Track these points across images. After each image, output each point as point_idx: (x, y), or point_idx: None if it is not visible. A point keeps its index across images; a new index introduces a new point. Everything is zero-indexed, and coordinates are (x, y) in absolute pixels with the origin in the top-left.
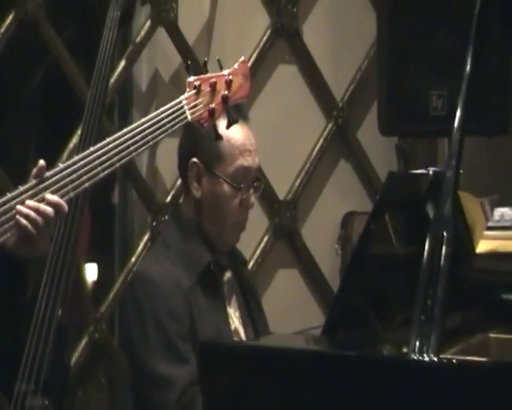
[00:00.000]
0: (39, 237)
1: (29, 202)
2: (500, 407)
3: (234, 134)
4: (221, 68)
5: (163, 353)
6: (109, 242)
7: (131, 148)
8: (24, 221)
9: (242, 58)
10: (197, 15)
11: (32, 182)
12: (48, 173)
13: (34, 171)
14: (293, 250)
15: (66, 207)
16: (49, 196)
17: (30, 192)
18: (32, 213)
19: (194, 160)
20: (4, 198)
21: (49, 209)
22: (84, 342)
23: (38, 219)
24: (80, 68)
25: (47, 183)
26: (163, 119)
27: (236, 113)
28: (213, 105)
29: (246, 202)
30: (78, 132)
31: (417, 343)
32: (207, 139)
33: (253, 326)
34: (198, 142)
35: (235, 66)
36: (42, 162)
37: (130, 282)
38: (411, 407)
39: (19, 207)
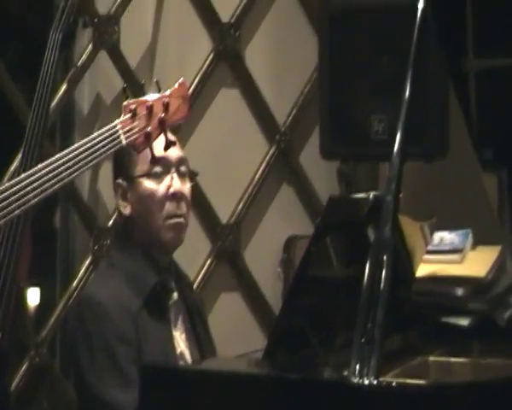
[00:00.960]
0: None
1: None
2: None
3: None
4: (159, 91)
5: (111, 378)
6: (51, 266)
7: (64, 173)
8: None
9: (181, 79)
10: (139, 38)
11: None
12: None
13: None
14: (236, 274)
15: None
16: None
17: None
18: None
19: (118, 181)
20: None
21: None
22: (25, 366)
23: None
24: (21, 90)
25: None
26: (97, 144)
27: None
28: (149, 129)
29: (170, 185)
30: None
31: (357, 366)
32: (124, 155)
33: (200, 349)
34: (117, 162)
35: (174, 87)
36: None
37: (77, 306)
38: None
39: None
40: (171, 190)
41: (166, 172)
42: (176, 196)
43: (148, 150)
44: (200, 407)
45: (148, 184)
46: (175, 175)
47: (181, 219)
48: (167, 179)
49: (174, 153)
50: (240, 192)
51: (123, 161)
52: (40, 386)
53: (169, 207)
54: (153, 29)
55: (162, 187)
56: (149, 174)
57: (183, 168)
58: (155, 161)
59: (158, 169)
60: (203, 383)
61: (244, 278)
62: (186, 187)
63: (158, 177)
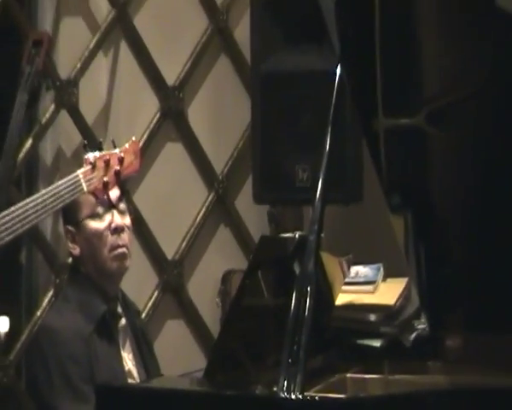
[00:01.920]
0: None
1: None
2: None
3: None
4: (114, 147)
5: (66, 394)
6: (17, 297)
7: (32, 216)
8: None
9: (133, 138)
10: (95, 99)
11: None
12: None
13: None
14: (180, 303)
15: None
16: None
17: None
18: None
19: (67, 227)
20: None
21: None
22: None
23: None
24: None
25: None
26: (62, 190)
27: None
28: (107, 178)
29: (112, 223)
30: None
31: (285, 383)
32: (68, 204)
33: (145, 368)
34: (65, 211)
35: (127, 145)
36: None
37: (36, 333)
38: None
39: None
40: (113, 225)
41: (107, 211)
42: (117, 230)
43: (89, 196)
44: None
45: (92, 223)
46: (115, 212)
47: (124, 249)
48: (109, 217)
49: (113, 194)
50: (183, 232)
51: (69, 208)
52: (8, 403)
53: (112, 239)
54: (107, 91)
55: (105, 224)
56: (93, 215)
57: (121, 206)
58: (112, 206)
59: (100, 210)
60: (150, 400)
61: (187, 307)
62: (126, 220)
63: (100, 216)
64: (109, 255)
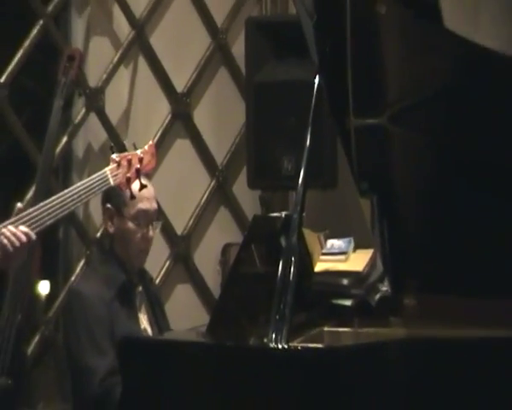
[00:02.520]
0: (14, 254)
1: (10, 227)
2: (330, 380)
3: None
4: (135, 149)
5: (90, 348)
6: (55, 266)
7: (70, 204)
8: (5, 241)
9: (150, 142)
10: (118, 104)
11: (12, 218)
12: (23, 213)
13: (15, 211)
14: (187, 271)
15: (33, 235)
16: (21, 226)
17: (10, 225)
18: (11, 236)
19: (108, 205)
20: None
21: (22, 236)
22: (37, 338)
23: (14, 239)
24: (34, 142)
25: (22, 220)
26: (93, 183)
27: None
28: (129, 175)
29: (146, 235)
30: (33, 188)
31: (273, 335)
32: (117, 191)
33: (158, 326)
34: (111, 193)
35: (145, 147)
36: (19, 205)
37: (67, 296)
38: (271, 381)
39: (3, 229)
40: (145, 241)
41: (145, 225)
42: (148, 240)
43: (136, 202)
44: (162, 369)
45: (131, 226)
46: (150, 228)
47: (146, 253)
48: (144, 231)
49: (152, 207)
50: (190, 212)
51: (116, 194)
52: (48, 351)
53: (142, 246)
54: (128, 97)
55: (140, 235)
56: (134, 223)
57: (155, 223)
58: (133, 198)
59: (141, 221)
60: (162, 349)
61: (193, 274)
62: (154, 233)
63: (139, 226)
64: (136, 254)
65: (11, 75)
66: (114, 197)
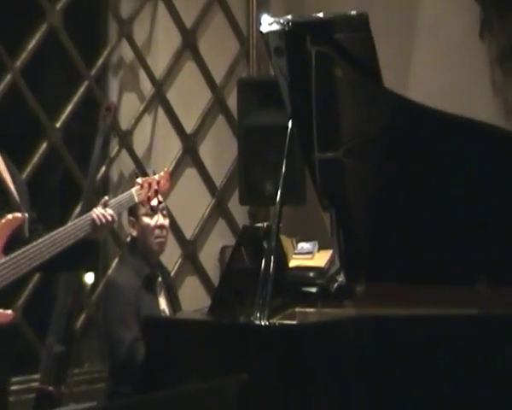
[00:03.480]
0: (102, 229)
1: (100, 209)
2: (301, 348)
3: None
4: (154, 174)
5: (120, 325)
6: (97, 262)
7: (116, 211)
8: (97, 219)
9: (166, 169)
10: (143, 143)
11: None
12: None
13: (101, 202)
14: (194, 267)
15: (116, 217)
16: (109, 209)
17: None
18: (101, 216)
19: (130, 218)
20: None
21: (108, 216)
22: (83, 315)
23: (102, 218)
24: (81, 170)
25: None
26: (122, 201)
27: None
28: (149, 194)
29: (158, 222)
30: (80, 204)
31: (258, 315)
32: (135, 209)
33: (173, 308)
34: (130, 209)
35: (162, 173)
36: (106, 198)
37: (105, 284)
38: (256, 349)
39: (95, 210)
40: (158, 223)
41: (155, 213)
42: (160, 227)
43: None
44: (175, 339)
45: (145, 219)
46: (160, 215)
47: (163, 239)
48: (156, 217)
49: (154, 203)
50: (196, 222)
51: (132, 208)
52: (92, 326)
53: (157, 232)
54: (150, 137)
55: (153, 221)
56: (147, 214)
57: (164, 211)
58: (152, 209)
59: (151, 212)
60: (175, 325)
61: (199, 270)
62: (166, 221)
63: (151, 216)
64: (154, 241)
65: (64, 122)
66: (133, 210)
